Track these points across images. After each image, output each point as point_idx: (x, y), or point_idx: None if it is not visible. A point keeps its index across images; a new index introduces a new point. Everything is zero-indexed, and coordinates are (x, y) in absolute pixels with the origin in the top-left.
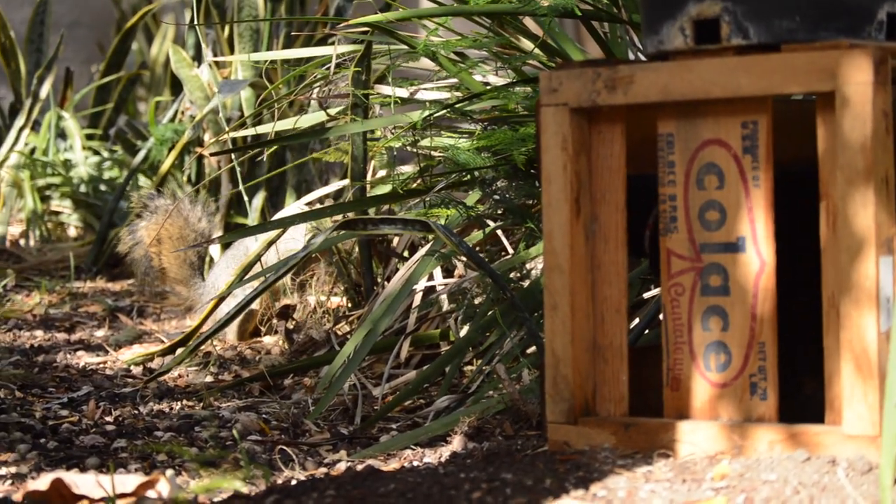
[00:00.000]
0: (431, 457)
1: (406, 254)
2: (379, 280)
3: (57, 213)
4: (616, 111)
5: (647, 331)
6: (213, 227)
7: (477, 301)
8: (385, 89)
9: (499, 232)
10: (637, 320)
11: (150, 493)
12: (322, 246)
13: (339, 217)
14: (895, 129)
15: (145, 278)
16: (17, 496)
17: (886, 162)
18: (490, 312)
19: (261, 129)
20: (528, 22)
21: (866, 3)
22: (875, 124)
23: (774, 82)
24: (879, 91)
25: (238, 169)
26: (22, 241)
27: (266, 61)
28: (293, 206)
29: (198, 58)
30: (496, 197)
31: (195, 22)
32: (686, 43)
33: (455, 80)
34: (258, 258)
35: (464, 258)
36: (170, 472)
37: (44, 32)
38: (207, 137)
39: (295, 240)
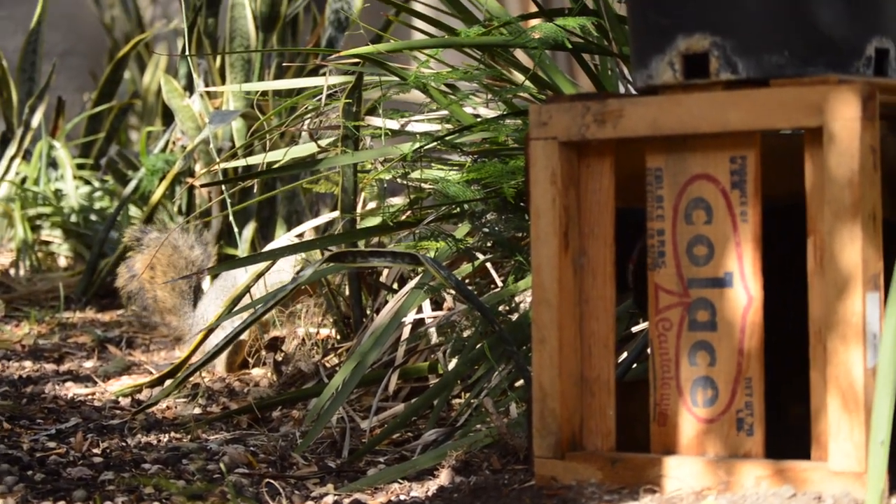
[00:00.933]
0: (419, 491)
1: (396, 286)
2: (368, 312)
3: (47, 243)
4: (605, 145)
5: (634, 365)
6: (209, 256)
7: (465, 334)
8: (376, 121)
9: (488, 265)
10: (625, 354)
11: None
12: (311, 278)
13: (329, 248)
14: (883, 165)
15: (144, 311)
16: None
17: (874, 197)
18: (478, 346)
19: (251, 159)
20: (520, 54)
21: (854, 38)
22: (862, 160)
23: (763, 117)
24: (867, 127)
25: (228, 200)
26: (12, 271)
27: (257, 92)
28: (283, 238)
29: (189, 88)
30: (485, 230)
31: (187, 52)
32: (675, 77)
33: (446, 113)
34: (247, 290)
35: (452, 291)
36: None
37: (36, 61)
38: (198, 168)
39: (284, 271)
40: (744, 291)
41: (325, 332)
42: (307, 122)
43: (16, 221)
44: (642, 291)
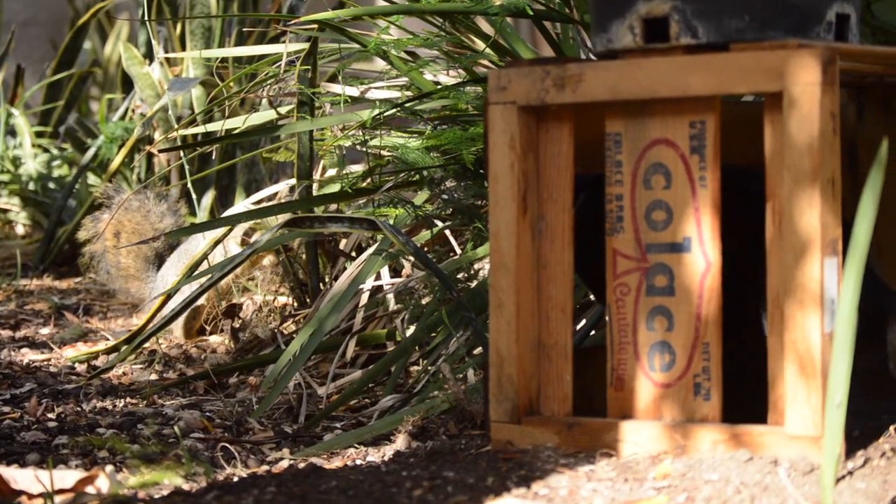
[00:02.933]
0: (375, 455)
1: (354, 254)
2: (326, 279)
3: (5, 211)
4: (564, 110)
5: (593, 332)
6: (180, 222)
7: (424, 301)
8: (335, 88)
9: (447, 232)
10: (584, 321)
11: (90, 489)
12: (268, 245)
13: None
14: (842, 131)
15: (106, 276)
16: None
17: (833, 163)
18: (436, 313)
19: (210, 126)
20: (482, 23)
21: (815, 3)
22: (822, 125)
23: (723, 82)
24: (827, 91)
25: (187, 167)
26: None
27: (217, 59)
28: (241, 205)
29: (149, 56)
30: (444, 196)
31: (146, 18)
32: (635, 42)
33: (406, 80)
34: (205, 256)
35: (411, 258)
36: (110, 468)
37: None
38: (157, 135)
39: (237, 238)
40: (702, 257)
41: (282, 299)
42: (266, 89)
43: None
44: (577, 252)
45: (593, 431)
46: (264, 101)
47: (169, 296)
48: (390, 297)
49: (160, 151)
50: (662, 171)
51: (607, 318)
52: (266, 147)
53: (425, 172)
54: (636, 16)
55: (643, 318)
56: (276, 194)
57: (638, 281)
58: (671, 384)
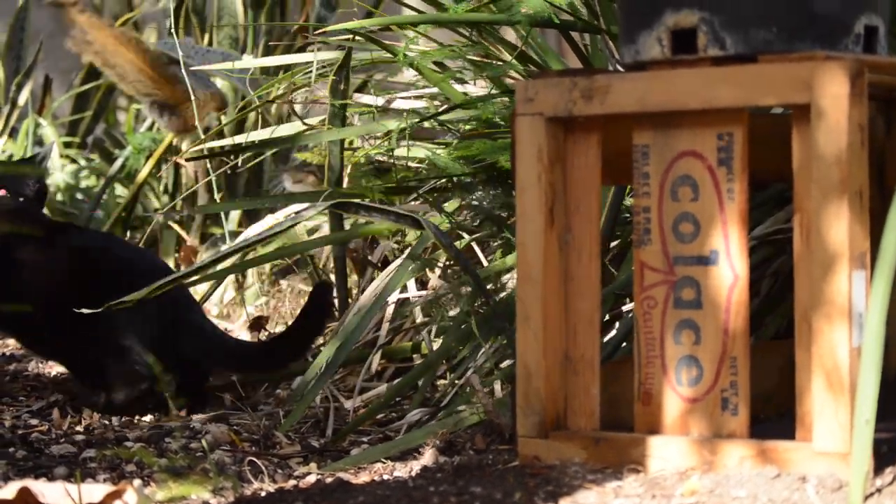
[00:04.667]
0: (402, 470)
1: (381, 265)
2: (354, 291)
3: None
4: (592, 121)
5: (623, 344)
6: None
7: (451, 313)
8: (365, 98)
9: (474, 244)
10: (612, 334)
11: (118, 503)
12: (315, 214)
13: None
14: (870, 143)
15: None
16: None
17: (861, 176)
18: (463, 325)
19: (238, 138)
20: (510, 33)
21: (843, 15)
22: (850, 137)
23: (751, 94)
24: (855, 104)
25: (214, 179)
26: None
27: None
28: (269, 218)
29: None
30: (474, 202)
31: (172, 28)
32: (663, 53)
33: (435, 90)
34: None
35: (438, 269)
36: (138, 482)
37: (24, 39)
38: (184, 146)
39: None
40: (729, 270)
41: None
42: (295, 99)
43: None
44: None
45: (621, 446)
46: (293, 111)
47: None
48: (417, 309)
49: (187, 160)
50: (690, 183)
51: (635, 331)
52: (293, 165)
53: (455, 180)
54: (664, 27)
55: (670, 331)
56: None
57: (665, 294)
58: (698, 399)
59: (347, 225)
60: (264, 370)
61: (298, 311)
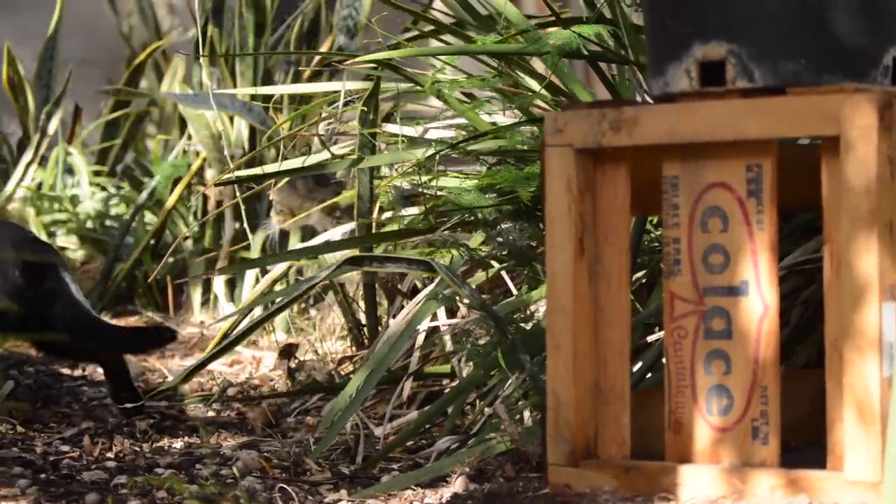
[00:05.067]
0: (432, 497)
1: (411, 293)
2: (384, 319)
3: (63, 249)
4: (621, 152)
5: (649, 374)
6: None
7: (480, 342)
8: (392, 128)
9: (503, 273)
10: (640, 364)
11: None
12: (329, 277)
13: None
14: None
15: None
16: None
17: (890, 207)
18: (493, 354)
19: (265, 168)
20: (537, 63)
21: (872, 47)
22: (879, 169)
23: (779, 126)
24: (884, 136)
25: (243, 206)
26: None
27: (272, 98)
28: (299, 244)
29: None
30: (499, 239)
31: (199, 55)
32: (691, 85)
33: (462, 120)
34: (263, 294)
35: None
36: None
37: (53, 68)
38: (211, 175)
39: None
40: (759, 300)
41: (339, 342)
42: (321, 127)
43: (32, 227)
44: None
45: (651, 475)
46: (319, 142)
47: (225, 335)
48: (447, 337)
49: (215, 184)
50: (719, 214)
51: (665, 361)
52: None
53: (480, 214)
54: (692, 59)
55: (700, 361)
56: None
57: (695, 324)
58: (729, 428)
59: (378, 252)
60: (126, 351)
61: (327, 339)
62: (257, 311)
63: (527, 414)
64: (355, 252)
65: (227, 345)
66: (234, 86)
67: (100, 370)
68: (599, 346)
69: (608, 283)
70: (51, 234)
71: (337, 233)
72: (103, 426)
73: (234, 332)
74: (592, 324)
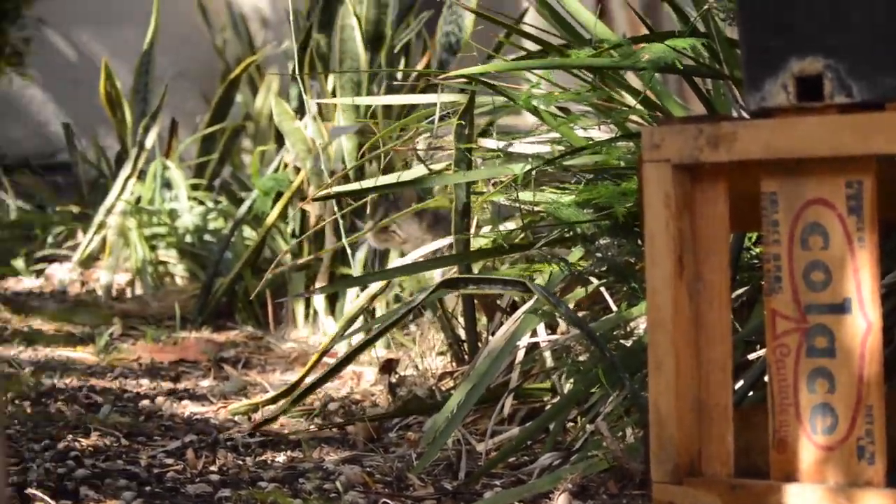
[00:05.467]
0: None
1: (510, 308)
2: (483, 334)
3: (163, 263)
4: (719, 168)
5: (751, 392)
6: None
7: (580, 358)
8: (487, 143)
9: (602, 289)
10: (741, 382)
11: None
12: (426, 300)
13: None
14: None
15: None
16: None
17: None
18: (593, 370)
19: (363, 183)
20: (630, 77)
21: None
22: None
23: (878, 142)
24: None
25: (341, 221)
26: (128, 290)
27: (368, 116)
28: (397, 260)
29: (301, 110)
30: (598, 255)
31: (297, 73)
32: (788, 100)
33: (556, 135)
34: (361, 311)
35: None
36: None
37: (149, 83)
38: (311, 190)
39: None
40: (862, 318)
41: (439, 358)
42: (419, 142)
43: (134, 241)
44: None
45: (757, 493)
46: (415, 157)
47: (325, 351)
48: (547, 353)
49: (314, 199)
50: (820, 231)
51: (768, 379)
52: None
53: (578, 229)
54: (789, 74)
55: (804, 379)
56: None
57: (798, 342)
58: (834, 447)
59: (476, 269)
60: None
61: (427, 355)
62: (357, 325)
63: (629, 431)
64: (453, 269)
65: (331, 370)
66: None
67: (202, 383)
68: (701, 363)
69: (709, 301)
70: (152, 248)
71: (434, 246)
72: (206, 439)
73: (333, 346)
74: (693, 341)
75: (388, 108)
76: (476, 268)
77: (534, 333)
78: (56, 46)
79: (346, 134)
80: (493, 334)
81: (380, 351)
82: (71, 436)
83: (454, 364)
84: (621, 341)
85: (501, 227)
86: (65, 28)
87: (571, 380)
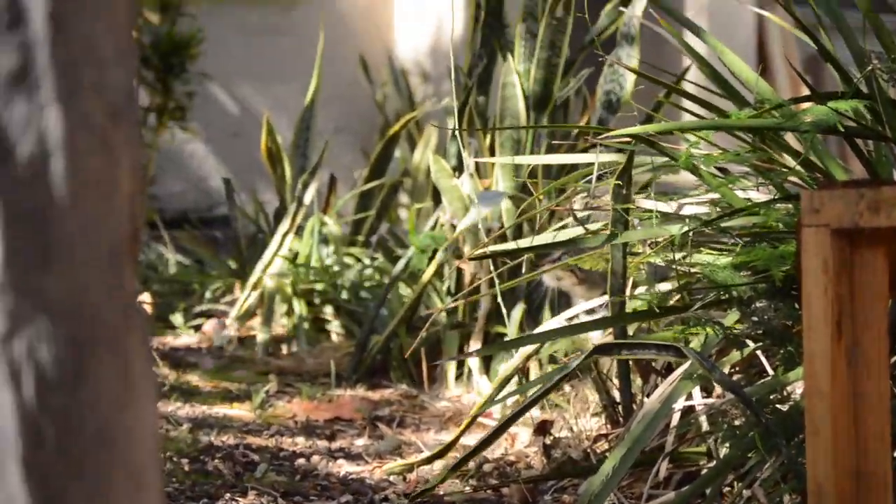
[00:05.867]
0: None
1: (662, 369)
2: (638, 396)
3: (319, 319)
4: (879, 234)
5: None
6: None
7: (736, 422)
8: (645, 203)
9: (759, 352)
10: None
11: None
12: (579, 366)
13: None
14: None
15: None
16: None
17: None
18: (750, 434)
19: (520, 242)
20: (790, 137)
21: None
22: None
23: None
24: None
25: (497, 280)
26: (284, 347)
27: (527, 170)
28: (552, 321)
29: (459, 167)
30: (754, 318)
31: (456, 129)
32: None
33: (715, 195)
34: (515, 372)
35: None
36: None
37: (309, 138)
38: (466, 249)
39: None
40: None
41: (593, 416)
42: (575, 202)
43: (290, 297)
44: None
45: None
46: (573, 215)
47: (479, 411)
48: (702, 417)
49: (470, 259)
50: None
51: None
52: (574, 258)
53: (735, 292)
54: None
55: None
56: (590, 311)
57: None
58: None
59: (631, 330)
60: None
61: (581, 416)
62: (511, 386)
63: (786, 498)
64: (608, 331)
65: (488, 438)
66: (492, 156)
67: (357, 442)
68: (859, 431)
69: (867, 368)
70: (310, 305)
71: (588, 305)
72: (362, 499)
73: (487, 407)
74: (851, 408)
75: (547, 168)
76: (631, 329)
77: (689, 396)
78: (218, 101)
79: (494, 203)
80: (648, 396)
81: (534, 411)
82: (228, 494)
83: (609, 426)
84: (777, 406)
85: (657, 289)
86: (227, 83)
87: (727, 444)
